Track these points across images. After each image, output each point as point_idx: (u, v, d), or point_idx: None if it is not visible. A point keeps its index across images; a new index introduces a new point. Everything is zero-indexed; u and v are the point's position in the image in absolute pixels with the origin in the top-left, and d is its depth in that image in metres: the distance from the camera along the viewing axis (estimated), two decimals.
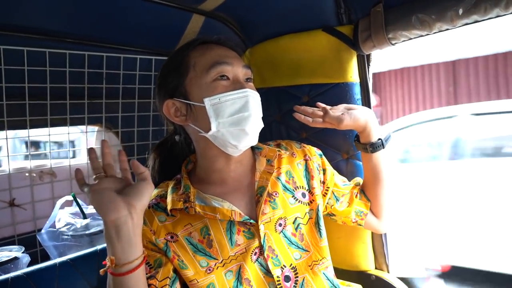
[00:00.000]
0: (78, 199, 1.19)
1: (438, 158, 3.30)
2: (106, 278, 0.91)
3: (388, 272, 1.11)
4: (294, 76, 1.20)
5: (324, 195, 0.94)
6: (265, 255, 0.78)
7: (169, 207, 0.79)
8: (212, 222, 0.79)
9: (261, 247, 0.79)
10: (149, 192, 0.68)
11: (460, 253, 2.92)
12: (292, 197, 0.87)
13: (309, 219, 0.87)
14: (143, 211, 0.67)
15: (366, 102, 1.08)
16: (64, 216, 1.16)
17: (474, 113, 3.15)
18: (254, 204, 0.83)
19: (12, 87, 1.15)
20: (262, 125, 0.83)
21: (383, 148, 0.94)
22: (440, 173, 3.14)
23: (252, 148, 0.93)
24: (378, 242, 1.11)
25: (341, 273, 1.05)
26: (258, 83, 1.30)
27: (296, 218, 0.85)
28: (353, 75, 1.07)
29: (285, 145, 0.96)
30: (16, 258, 1.00)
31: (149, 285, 0.73)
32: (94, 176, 0.68)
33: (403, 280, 1.07)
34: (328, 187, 0.94)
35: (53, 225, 1.16)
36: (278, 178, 0.87)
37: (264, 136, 1.03)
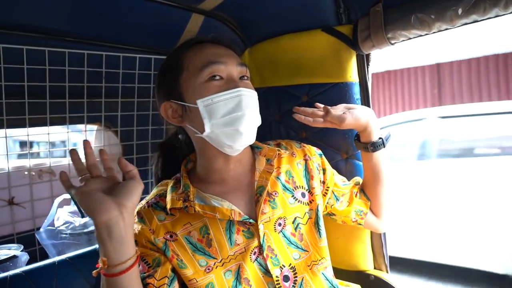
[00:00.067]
0: None
1: (407, 159, 3.47)
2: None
3: (387, 272, 1.11)
4: (293, 76, 1.20)
5: (324, 195, 0.94)
6: (264, 255, 0.78)
7: (168, 206, 0.79)
8: (212, 222, 0.79)
9: (260, 247, 0.79)
10: (139, 190, 0.67)
11: (427, 248, 3.12)
12: (292, 197, 0.86)
13: (308, 219, 0.87)
14: (134, 210, 0.67)
15: (366, 102, 1.08)
16: (62, 215, 1.17)
17: (441, 116, 3.34)
18: (254, 203, 0.83)
19: (12, 86, 1.15)
20: (259, 123, 0.83)
21: (384, 147, 0.94)
22: (407, 172, 3.32)
23: (252, 147, 0.93)
24: (377, 242, 1.11)
25: (340, 273, 1.05)
26: (258, 82, 1.30)
27: (295, 218, 0.85)
28: (352, 74, 1.08)
29: (285, 145, 0.95)
30: (15, 257, 1.00)
31: (147, 284, 0.73)
32: (80, 178, 0.66)
33: None
34: (328, 187, 0.94)
35: (52, 224, 1.16)
36: (277, 177, 0.87)
37: (263, 136, 1.03)
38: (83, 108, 1.33)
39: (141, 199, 0.88)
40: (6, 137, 1.21)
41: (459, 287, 2.95)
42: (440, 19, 0.84)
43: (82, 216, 1.18)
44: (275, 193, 0.85)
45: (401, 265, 3.22)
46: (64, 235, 1.11)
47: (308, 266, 0.82)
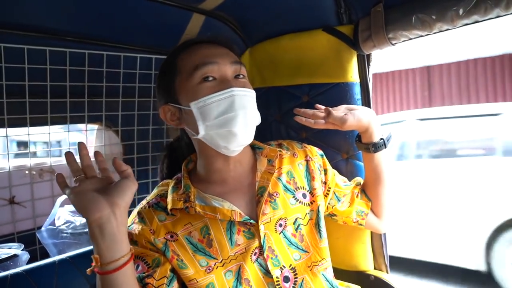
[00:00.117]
0: None
1: None
2: None
3: (387, 272, 1.11)
4: (294, 76, 1.20)
5: (326, 195, 0.93)
6: (265, 256, 0.78)
7: (169, 207, 0.79)
8: (212, 222, 0.79)
9: (261, 247, 0.79)
10: (132, 190, 0.67)
11: (405, 245, 3.26)
12: (293, 197, 0.86)
13: (309, 220, 0.87)
14: (126, 208, 0.67)
15: (366, 102, 1.08)
16: (63, 214, 1.17)
17: (419, 118, 3.50)
18: (255, 204, 0.83)
19: (12, 85, 1.15)
20: (257, 123, 0.82)
21: (385, 147, 0.94)
22: None
23: (253, 148, 0.92)
24: (377, 242, 1.10)
25: (340, 273, 1.04)
26: (258, 82, 1.30)
27: (296, 219, 0.85)
28: (353, 75, 1.07)
29: (286, 145, 0.95)
30: (15, 256, 1.00)
31: (146, 283, 0.73)
32: (74, 179, 0.67)
33: None
34: (330, 188, 0.94)
35: (53, 223, 1.16)
36: (279, 178, 0.87)
37: (264, 136, 1.03)
38: (84, 107, 1.33)
39: (142, 198, 0.88)
40: (7, 136, 1.21)
41: (437, 282, 3.10)
42: (441, 19, 0.84)
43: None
44: (276, 194, 0.84)
45: None
46: (65, 235, 1.11)
47: (309, 267, 0.82)
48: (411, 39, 0.94)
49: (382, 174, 0.96)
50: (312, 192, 0.89)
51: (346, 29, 1.05)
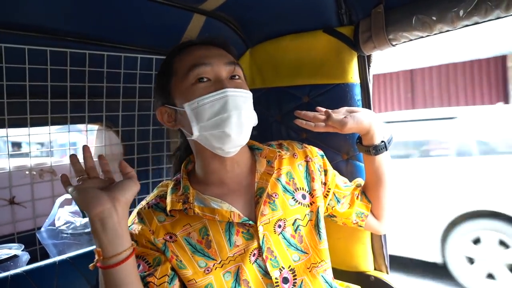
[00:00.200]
0: None
1: None
2: None
3: (387, 273, 1.11)
4: (294, 77, 1.20)
5: (325, 196, 0.93)
6: (264, 257, 0.78)
7: (168, 208, 0.80)
8: (211, 223, 0.79)
9: (259, 249, 0.79)
10: (133, 189, 0.69)
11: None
12: (292, 198, 0.86)
13: (308, 221, 0.87)
14: (127, 204, 0.68)
15: (367, 103, 1.08)
16: (63, 215, 1.17)
17: (386, 121, 3.62)
18: (253, 205, 0.83)
19: (13, 85, 1.15)
20: (253, 123, 0.82)
21: (386, 150, 0.93)
22: None
23: (252, 149, 0.92)
24: (378, 243, 1.10)
25: (340, 274, 1.05)
26: (259, 83, 1.31)
27: (295, 220, 0.85)
28: (353, 75, 1.07)
29: (287, 146, 0.95)
30: (15, 256, 1.00)
31: (148, 282, 0.73)
32: (78, 179, 0.69)
33: None
34: (330, 189, 0.94)
35: (53, 223, 1.16)
36: (278, 179, 0.87)
37: (264, 137, 1.03)
38: (85, 108, 1.33)
39: (142, 199, 0.89)
40: (7, 136, 1.21)
41: (400, 274, 3.26)
42: (442, 20, 0.84)
43: (83, 216, 1.18)
44: (275, 195, 0.84)
45: None
46: (65, 235, 1.11)
47: (308, 268, 0.82)
48: (411, 40, 0.94)
49: (383, 177, 0.95)
50: (311, 193, 0.89)
51: (347, 30, 1.05)
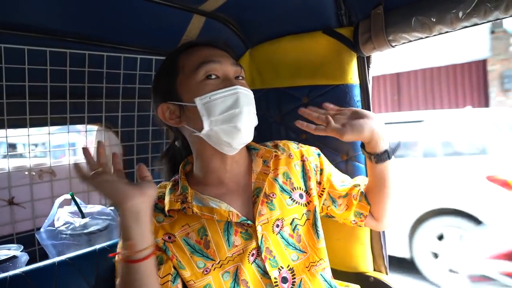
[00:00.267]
0: (76, 198, 1.19)
1: None
2: (104, 277, 0.91)
3: (387, 274, 1.11)
4: (294, 77, 1.20)
5: (320, 196, 0.92)
6: (263, 257, 0.78)
7: (166, 208, 0.80)
8: (210, 223, 0.79)
9: (258, 248, 0.79)
10: (153, 192, 0.71)
11: None
12: (289, 198, 0.86)
13: (306, 220, 0.87)
14: (152, 202, 0.71)
15: (366, 104, 1.08)
16: (63, 215, 1.16)
17: None
18: (251, 205, 0.83)
19: (13, 86, 1.15)
20: (255, 123, 0.83)
21: (389, 159, 0.87)
22: None
23: (249, 149, 0.92)
24: (377, 243, 1.10)
25: (339, 275, 1.04)
26: (259, 84, 1.31)
27: (293, 219, 0.85)
28: (353, 76, 1.08)
29: (282, 146, 0.95)
30: (14, 257, 0.99)
31: None
32: (93, 172, 0.69)
33: None
34: (324, 188, 0.93)
35: (52, 224, 1.16)
36: (275, 179, 0.87)
37: (264, 137, 1.03)
38: (84, 108, 1.33)
39: None
40: (6, 137, 1.21)
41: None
42: (441, 22, 0.84)
43: (83, 217, 1.18)
44: (273, 195, 0.85)
45: None
46: (64, 236, 1.10)
47: (307, 267, 0.82)
48: (411, 41, 0.94)
49: (384, 183, 0.90)
50: (308, 192, 0.89)
51: (346, 31, 1.05)
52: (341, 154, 1.11)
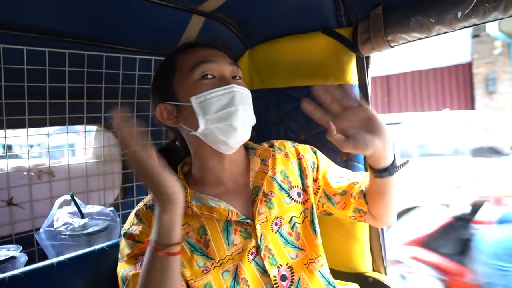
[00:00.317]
0: (76, 199, 1.19)
1: None
2: (103, 278, 0.92)
3: (386, 274, 1.11)
4: (293, 78, 1.20)
5: (315, 193, 0.92)
6: (262, 255, 0.79)
7: None
8: (209, 222, 0.80)
9: (257, 247, 0.79)
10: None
11: None
12: (288, 196, 0.87)
13: (304, 218, 0.87)
14: None
15: None
16: (62, 216, 1.16)
17: None
18: (250, 204, 0.83)
19: (11, 86, 1.14)
20: (253, 122, 0.82)
21: (390, 176, 0.80)
22: None
23: (246, 148, 0.93)
24: (376, 244, 1.11)
25: (338, 275, 1.05)
26: (258, 84, 1.31)
27: (292, 218, 0.85)
28: (352, 77, 1.08)
29: (278, 146, 0.95)
30: (13, 257, 0.99)
31: None
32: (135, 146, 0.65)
33: None
34: (319, 186, 0.93)
35: (51, 225, 1.16)
36: (273, 178, 0.88)
37: (263, 137, 1.03)
38: (83, 108, 1.33)
39: (140, 200, 0.88)
40: (5, 138, 1.21)
41: None
42: (440, 22, 0.84)
43: (82, 217, 1.17)
44: (271, 193, 0.85)
45: None
46: (63, 236, 1.10)
47: (305, 264, 0.83)
48: (410, 41, 0.95)
49: (384, 193, 0.85)
50: (305, 190, 0.90)
51: (345, 31, 1.06)
52: (340, 155, 1.11)
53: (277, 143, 0.96)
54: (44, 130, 1.29)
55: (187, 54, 0.84)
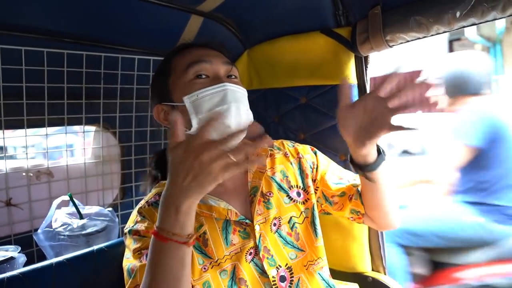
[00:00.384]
0: (74, 199, 1.19)
1: None
2: (102, 278, 0.91)
3: (385, 274, 1.11)
4: (292, 78, 1.20)
5: (314, 193, 0.91)
6: (261, 256, 0.78)
7: None
8: (208, 221, 0.79)
9: (256, 248, 0.79)
10: None
11: None
12: (287, 196, 0.87)
13: (305, 218, 0.87)
14: None
15: None
16: (60, 216, 1.16)
17: None
18: (249, 204, 0.83)
19: (10, 87, 1.14)
20: (248, 121, 0.79)
21: (376, 170, 0.78)
22: None
23: None
24: (375, 244, 1.11)
25: (337, 275, 1.05)
26: (256, 84, 1.31)
27: (291, 218, 0.85)
28: (351, 77, 1.08)
29: (277, 145, 0.95)
30: (12, 258, 0.99)
31: None
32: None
33: None
34: (318, 187, 0.92)
35: (50, 225, 1.15)
36: (272, 177, 0.87)
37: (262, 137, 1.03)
38: (82, 109, 1.33)
39: (139, 200, 0.88)
40: (4, 138, 1.20)
41: None
42: (438, 22, 0.84)
43: (81, 218, 1.17)
44: (270, 193, 0.85)
45: None
46: (62, 237, 1.10)
47: (305, 266, 0.82)
48: (408, 41, 0.95)
49: (373, 190, 0.83)
50: (306, 190, 0.89)
51: (344, 31, 1.06)
52: (339, 154, 1.11)
53: (276, 142, 0.96)
54: (42, 130, 1.29)
55: (182, 55, 0.84)
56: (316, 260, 0.84)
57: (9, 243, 1.22)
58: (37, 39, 1.10)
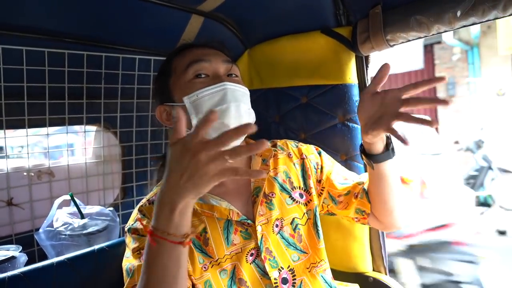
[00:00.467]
0: (75, 199, 1.19)
1: None
2: (103, 278, 0.91)
3: (386, 274, 1.11)
4: (292, 77, 1.20)
5: (320, 194, 0.91)
6: (262, 257, 0.78)
7: None
8: (210, 221, 0.79)
9: (257, 249, 0.79)
10: None
11: None
12: (289, 197, 0.86)
13: (307, 219, 0.86)
14: None
15: None
16: (62, 216, 1.16)
17: None
18: (251, 204, 0.83)
19: (11, 87, 1.14)
20: (252, 119, 0.80)
21: (389, 159, 0.79)
22: None
23: None
24: (376, 244, 1.10)
25: (338, 275, 1.04)
26: (257, 84, 1.31)
27: (293, 219, 0.85)
28: (351, 76, 1.08)
29: (281, 145, 0.95)
30: (13, 257, 0.99)
31: None
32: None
33: None
34: (323, 187, 0.92)
35: (51, 225, 1.16)
36: (275, 178, 0.87)
37: (262, 137, 1.02)
38: (82, 109, 1.33)
39: (140, 200, 0.88)
40: (5, 137, 1.21)
41: None
42: (439, 21, 0.84)
43: (82, 217, 1.17)
44: (272, 194, 0.85)
45: None
46: (63, 236, 1.10)
47: (307, 268, 0.82)
48: (409, 40, 0.95)
49: (381, 184, 0.83)
50: (308, 191, 0.89)
51: (345, 30, 1.05)
52: (340, 154, 1.11)
53: (280, 142, 0.96)
54: (43, 130, 1.29)
55: (182, 55, 0.84)
56: (319, 262, 0.83)
57: (10, 242, 1.22)
58: (38, 39, 1.10)
